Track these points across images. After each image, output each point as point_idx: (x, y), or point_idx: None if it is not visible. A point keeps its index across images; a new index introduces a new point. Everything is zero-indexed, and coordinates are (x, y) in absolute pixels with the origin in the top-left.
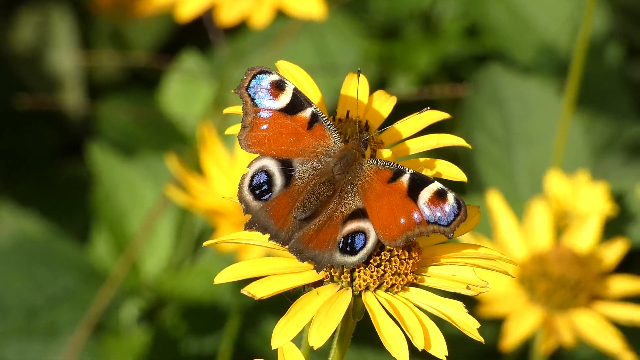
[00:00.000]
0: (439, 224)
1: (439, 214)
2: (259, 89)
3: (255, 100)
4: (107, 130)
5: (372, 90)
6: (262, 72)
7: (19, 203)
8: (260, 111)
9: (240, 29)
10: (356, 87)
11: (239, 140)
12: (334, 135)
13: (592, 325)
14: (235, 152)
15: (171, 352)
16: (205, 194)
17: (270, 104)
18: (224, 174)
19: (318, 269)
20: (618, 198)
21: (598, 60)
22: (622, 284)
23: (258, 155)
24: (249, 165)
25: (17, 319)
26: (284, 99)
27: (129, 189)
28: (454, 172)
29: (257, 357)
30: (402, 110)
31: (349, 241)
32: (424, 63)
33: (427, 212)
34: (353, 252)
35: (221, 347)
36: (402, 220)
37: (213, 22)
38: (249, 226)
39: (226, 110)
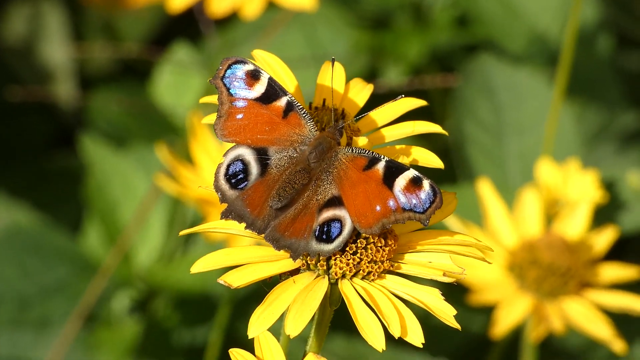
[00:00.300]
0: (415, 211)
1: (414, 201)
2: (234, 79)
3: (230, 90)
4: (99, 122)
5: (365, 80)
6: (237, 62)
7: (11, 194)
8: (236, 100)
9: (231, 20)
10: (333, 75)
11: (215, 129)
12: (309, 124)
13: (582, 312)
14: (224, 142)
15: (163, 342)
16: (195, 183)
17: (245, 93)
18: (214, 163)
19: (294, 257)
20: (609, 186)
21: (589, 49)
22: (612, 272)
23: (234, 144)
24: (225, 155)
25: (8, 309)
26: (259, 88)
27: (120, 179)
28: (430, 159)
29: (248, 346)
30: (391, 99)
31: (325, 229)
32: (415, 53)
33: (402, 199)
34: (329, 240)
35: (211, 337)
36: (378, 208)
37: (204, 13)
38: (225, 215)
39: (202, 100)
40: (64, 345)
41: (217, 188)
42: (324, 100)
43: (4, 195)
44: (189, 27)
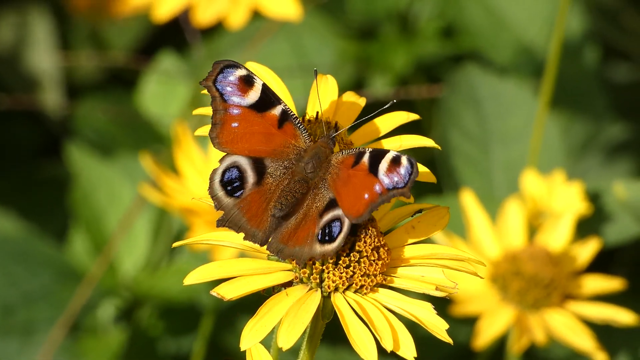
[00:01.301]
0: (397, 188)
1: (396, 179)
2: (227, 84)
3: (224, 96)
4: (85, 130)
5: (349, 90)
6: (229, 65)
7: None
8: (230, 108)
9: (217, 29)
10: (326, 88)
11: (211, 138)
12: (304, 135)
13: (564, 324)
14: (209, 152)
15: (148, 351)
16: (179, 193)
17: (239, 100)
18: (198, 173)
19: (300, 264)
20: (594, 197)
21: (575, 60)
22: (595, 283)
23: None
24: (221, 160)
25: None
26: (253, 95)
27: (106, 188)
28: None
29: (233, 356)
30: (378, 109)
31: (327, 230)
32: (401, 63)
33: (386, 180)
34: (331, 239)
35: (195, 347)
36: (366, 196)
37: (190, 23)
38: (222, 223)
39: (196, 112)
40: (48, 353)
41: (212, 194)
42: (317, 113)
43: None
44: (176, 36)
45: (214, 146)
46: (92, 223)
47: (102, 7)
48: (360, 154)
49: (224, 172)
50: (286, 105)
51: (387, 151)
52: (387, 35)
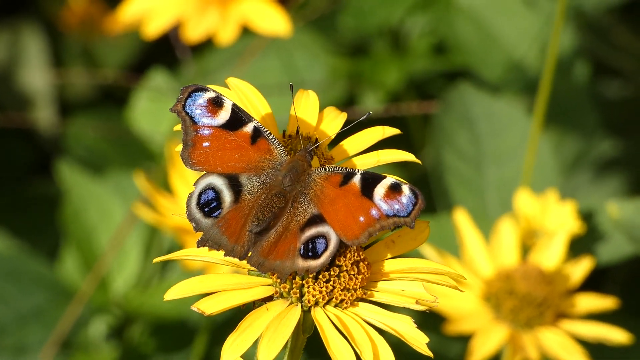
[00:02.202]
0: (399, 216)
1: (397, 207)
2: (196, 107)
3: (194, 119)
4: (76, 148)
5: (340, 106)
6: (197, 89)
7: None
8: (200, 128)
9: (207, 46)
10: (306, 104)
11: (182, 158)
12: (278, 149)
13: (558, 342)
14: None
15: None
16: (172, 212)
17: (209, 121)
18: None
19: (282, 278)
20: (587, 216)
21: (566, 77)
22: (588, 302)
23: (203, 172)
24: (195, 183)
25: None
26: (224, 115)
27: (97, 206)
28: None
29: None
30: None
31: (310, 246)
32: (392, 80)
33: (384, 207)
34: (315, 255)
35: None
36: (362, 219)
37: (180, 39)
38: (202, 243)
39: (176, 128)
40: None
41: (190, 217)
42: (297, 128)
43: None
44: (167, 54)
45: (186, 166)
46: (83, 241)
47: (93, 24)
48: (349, 174)
49: (199, 195)
50: (258, 122)
51: (384, 177)
52: (379, 52)
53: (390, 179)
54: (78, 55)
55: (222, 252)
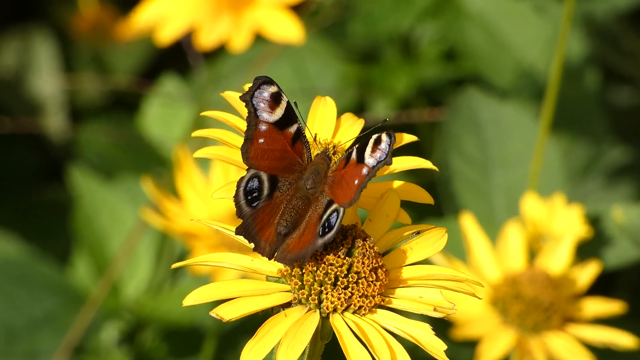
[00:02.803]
0: (380, 161)
1: (379, 154)
2: (260, 100)
3: (257, 112)
4: (88, 153)
5: (353, 113)
6: (266, 82)
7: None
8: (260, 124)
9: (219, 52)
10: (324, 110)
11: (242, 153)
12: (308, 153)
13: (565, 347)
14: (210, 175)
15: None
16: (180, 217)
17: (267, 116)
18: (199, 196)
19: (304, 261)
20: (594, 221)
21: (576, 84)
22: (595, 306)
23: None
24: (247, 169)
25: None
26: (279, 112)
27: (109, 211)
28: (420, 195)
29: None
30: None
31: (326, 224)
32: (402, 87)
33: (371, 161)
34: (330, 228)
35: None
36: (356, 182)
37: (192, 46)
38: (239, 232)
39: (195, 134)
40: None
41: (236, 201)
42: (315, 135)
43: None
44: (178, 60)
45: (244, 161)
46: (94, 246)
47: (105, 30)
48: (349, 154)
49: (248, 181)
50: (300, 123)
51: (370, 138)
52: (389, 58)
53: (374, 136)
54: (89, 61)
55: (239, 257)
